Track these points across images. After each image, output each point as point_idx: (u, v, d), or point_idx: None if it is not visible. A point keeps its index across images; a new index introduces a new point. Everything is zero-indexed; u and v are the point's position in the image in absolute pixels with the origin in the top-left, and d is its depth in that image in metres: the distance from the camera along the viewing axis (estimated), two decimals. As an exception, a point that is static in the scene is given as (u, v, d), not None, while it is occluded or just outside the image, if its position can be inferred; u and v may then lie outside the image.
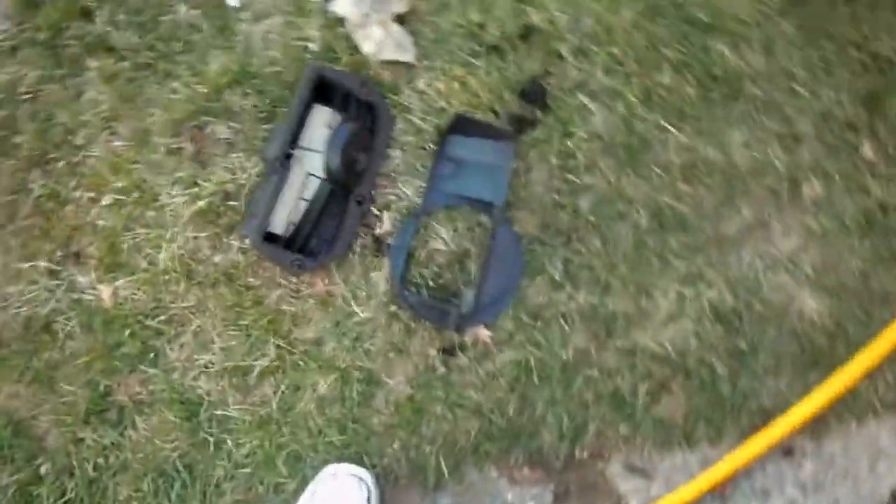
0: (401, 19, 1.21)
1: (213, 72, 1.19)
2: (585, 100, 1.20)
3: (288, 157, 1.12)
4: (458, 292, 1.16)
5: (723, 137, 1.21)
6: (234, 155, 1.17)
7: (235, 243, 1.15)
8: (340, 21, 1.20)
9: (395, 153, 1.19)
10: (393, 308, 1.15)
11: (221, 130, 1.18)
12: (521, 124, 1.20)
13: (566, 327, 1.15)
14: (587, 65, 1.22)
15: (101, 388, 1.12)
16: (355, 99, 1.16)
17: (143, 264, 1.15)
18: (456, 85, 1.20)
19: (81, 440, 1.11)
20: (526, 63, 1.22)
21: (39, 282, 1.14)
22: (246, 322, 1.14)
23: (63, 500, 1.09)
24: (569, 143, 1.19)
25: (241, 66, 1.19)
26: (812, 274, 1.19)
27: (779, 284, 1.19)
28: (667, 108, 1.21)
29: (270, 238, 1.12)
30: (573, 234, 1.18)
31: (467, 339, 1.15)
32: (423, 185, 1.18)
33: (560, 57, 1.22)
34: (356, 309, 1.15)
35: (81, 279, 1.14)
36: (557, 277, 1.16)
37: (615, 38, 1.22)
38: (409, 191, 1.18)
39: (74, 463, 1.10)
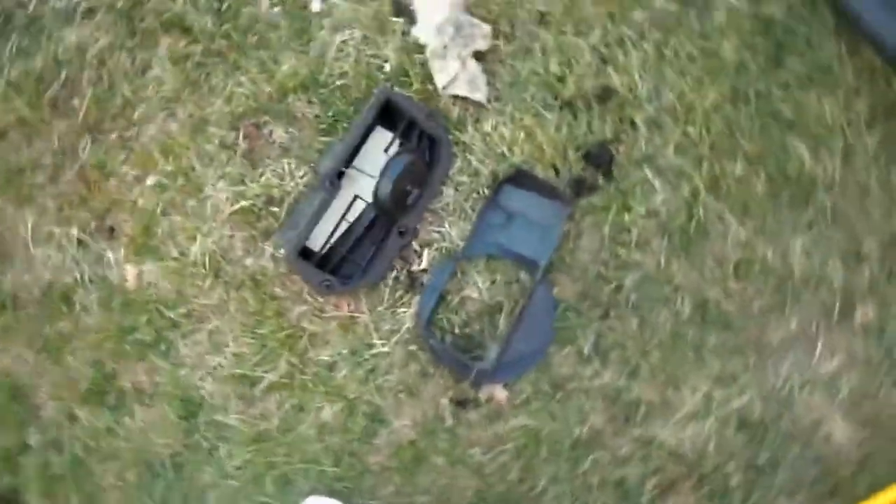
0: (480, 56, 1.18)
1: (282, 73, 1.16)
2: (651, 175, 1.16)
3: (340, 175, 1.09)
4: (483, 346, 1.13)
5: (784, 241, 1.16)
6: (286, 160, 1.15)
7: (269, 250, 1.13)
8: (419, 47, 1.17)
9: (448, 191, 1.16)
10: (414, 348, 1.12)
11: (279, 134, 1.16)
12: (580, 187, 1.17)
13: (586, 404, 1.11)
14: (660, 139, 1.18)
15: (107, 369, 1.10)
16: (419, 129, 1.13)
17: (174, 253, 1.12)
18: (522, 134, 1.16)
19: (77, 418, 1.09)
20: (597, 125, 1.18)
21: (68, 250, 1.12)
22: (263, 331, 1.11)
23: (46, 474, 1.08)
24: (626, 215, 1.15)
25: (311, 72, 1.17)
26: (848, 400, 1.14)
27: (812, 404, 1.14)
28: (733, 199, 1.16)
29: (305, 253, 1.10)
30: (612, 309, 1.14)
31: (482, 395, 1.12)
32: (470, 228, 1.15)
33: (633, 126, 1.18)
34: (377, 341, 1.12)
35: (110, 255, 1.12)
36: (587, 351, 1.12)
37: (693, 118, 1.18)
38: (454, 232, 1.15)
39: (65, 439, 1.08)
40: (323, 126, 1.16)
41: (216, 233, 1.13)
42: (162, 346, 1.11)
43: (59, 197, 1.13)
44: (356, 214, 1.12)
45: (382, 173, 1.08)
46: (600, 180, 1.17)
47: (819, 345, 1.15)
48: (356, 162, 1.12)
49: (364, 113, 1.10)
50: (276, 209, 1.13)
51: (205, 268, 1.12)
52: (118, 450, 1.08)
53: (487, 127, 1.17)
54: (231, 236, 1.13)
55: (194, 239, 1.12)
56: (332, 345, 1.12)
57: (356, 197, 1.11)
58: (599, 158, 1.17)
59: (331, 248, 1.11)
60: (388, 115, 1.13)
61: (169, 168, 1.14)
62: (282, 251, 1.11)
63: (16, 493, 1.08)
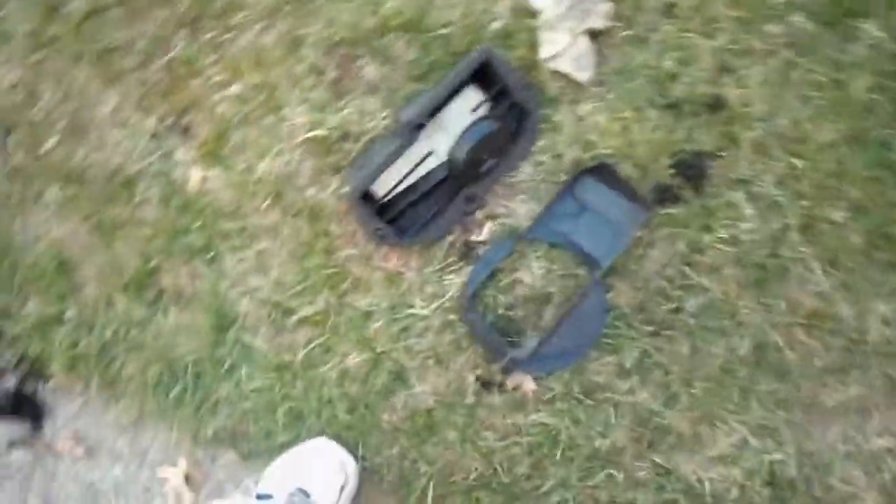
0: (593, 35, 1.12)
1: (388, 9, 1.12)
2: (743, 200, 1.09)
3: (420, 126, 1.05)
4: (523, 333, 1.09)
5: (866, 303, 1.08)
6: (371, 98, 1.12)
7: (333, 184, 1.11)
8: (531, 12, 1.12)
9: (526, 168, 1.11)
10: (453, 317, 1.09)
11: (370, 70, 1.12)
12: (665, 195, 1.10)
13: (613, 418, 1.07)
14: (762, 165, 1.10)
15: (152, 264, 1.10)
16: (511, 98, 1.08)
17: (241, 166, 1.11)
18: (617, 126, 1.10)
19: (113, 304, 1.10)
20: (699, 135, 1.11)
21: (142, 139, 1.12)
22: (309, 264, 1.10)
23: (73, 350, 1.10)
24: (705, 236, 1.08)
25: (416, 14, 1.12)
26: (889, 482, 1.06)
27: (850, 477, 1.07)
28: (823, 246, 1.08)
29: (367, 197, 1.07)
30: (665, 329, 1.08)
31: (510, 382, 1.08)
32: (539, 211, 1.10)
33: (737, 144, 1.10)
34: (418, 302, 1.09)
35: (180, 154, 1.12)
36: (628, 365, 1.07)
37: (804, 151, 1.09)
38: (522, 210, 1.10)
39: (98, 322, 1.10)
40: (416, 72, 1.12)
41: (286, 156, 1.11)
42: (209, 255, 1.10)
43: (144, 85, 1.13)
44: (427, 170, 1.08)
45: (463, 135, 1.04)
46: (687, 193, 1.10)
47: (874, 420, 1.07)
48: (440, 116, 1.08)
49: (460, 68, 1.05)
50: (349, 145, 1.11)
51: (268, 188, 1.10)
52: (145, 344, 1.09)
53: (582, 111, 1.11)
54: (300, 162, 1.11)
55: (263, 157, 1.11)
56: (373, 294, 1.10)
57: (431, 152, 1.07)
58: (692, 170, 1.11)
59: (394, 197, 1.08)
60: (484, 76, 1.08)
61: (255, 80, 1.12)
62: (347, 189, 1.09)
63: (42, 363, 1.11)
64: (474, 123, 1.04)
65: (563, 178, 1.10)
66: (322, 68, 1.12)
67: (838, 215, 1.08)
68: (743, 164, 1.10)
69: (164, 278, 1.10)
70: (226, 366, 1.09)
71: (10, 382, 1.11)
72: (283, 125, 1.11)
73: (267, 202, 1.10)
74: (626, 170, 1.10)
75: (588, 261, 1.09)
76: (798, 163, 1.09)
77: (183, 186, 1.11)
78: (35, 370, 1.12)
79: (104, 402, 1.11)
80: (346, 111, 1.11)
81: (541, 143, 1.11)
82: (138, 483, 1.11)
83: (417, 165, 1.07)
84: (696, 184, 1.10)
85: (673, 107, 1.11)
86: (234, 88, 1.12)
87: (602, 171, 1.09)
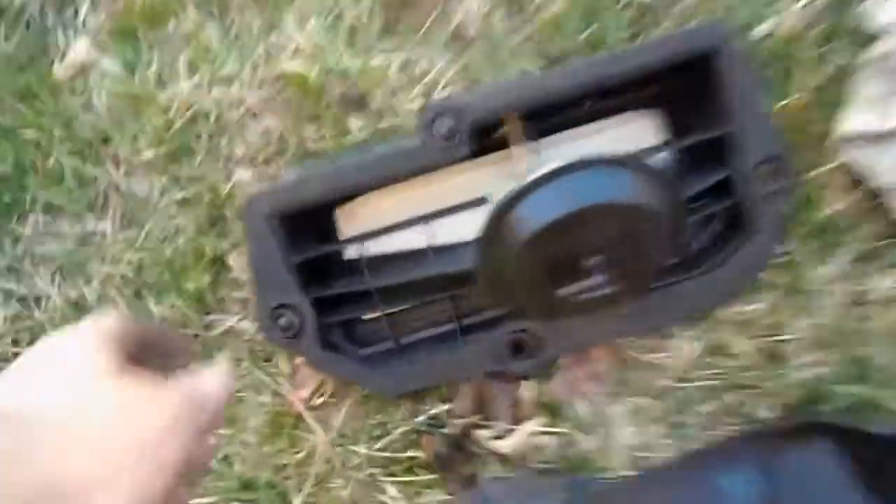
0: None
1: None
2: None
3: (490, 132, 0.44)
4: None
5: None
6: (446, 54, 0.52)
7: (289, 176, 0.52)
8: (858, 36, 0.47)
9: (681, 343, 0.46)
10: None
11: (477, 6, 0.53)
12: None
13: None
14: None
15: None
16: (731, 168, 0.44)
17: (153, 68, 0.55)
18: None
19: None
20: None
21: None
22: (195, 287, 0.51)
23: None
24: None
25: (589, 14, 0.52)
26: None
27: None
28: None
29: (305, 230, 0.46)
30: None
31: None
32: (664, 456, 0.44)
33: None
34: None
35: (85, 11, 0.58)
36: None
37: None
38: (630, 429, 0.45)
39: None
40: (553, 38, 0.51)
41: (238, 88, 0.54)
42: (15, 215, 0.55)
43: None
44: (462, 236, 0.45)
45: (539, 187, 0.37)
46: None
47: None
48: (554, 136, 0.46)
49: (648, 46, 0.43)
50: (353, 119, 0.52)
51: (176, 122, 0.53)
52: None
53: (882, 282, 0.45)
54: (254, 115, 0.53)
55: (202, 73, 0.54)
56: (229, 433, 0.49)
57: (485, 198, 0.45)
58: None
59: (368, 259, 0.47)
60: (690, 99, 0.45)
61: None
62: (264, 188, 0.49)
63: None
64: (582, 164, 0.37)
65: (760, 415, 0.44)
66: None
67: None
68: None
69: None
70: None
71: None
72: (266, 39, 0.54)
73: (163, 147, 0.53)
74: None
75: None
76: None
77: (49, 61, 0.57)
78: None
79: None
80: (380, 60, 0.52)
81: (756, 306, 0.45)
82: None
83: (444, 214, 0.45)
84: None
85: None
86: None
87: (854, 444, 0.40)
